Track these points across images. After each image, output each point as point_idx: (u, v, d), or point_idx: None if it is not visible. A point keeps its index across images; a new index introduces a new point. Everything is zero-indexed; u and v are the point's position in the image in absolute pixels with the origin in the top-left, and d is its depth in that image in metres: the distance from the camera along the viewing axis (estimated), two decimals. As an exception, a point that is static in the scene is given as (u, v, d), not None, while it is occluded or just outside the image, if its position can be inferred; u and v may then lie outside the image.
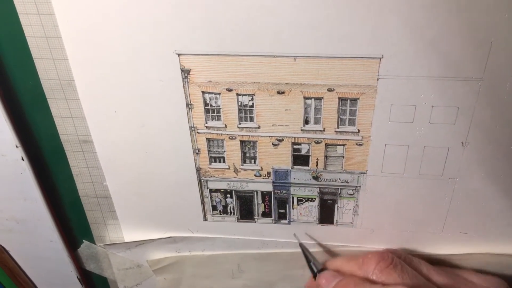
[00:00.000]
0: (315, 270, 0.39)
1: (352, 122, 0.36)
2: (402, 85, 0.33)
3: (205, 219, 0.44)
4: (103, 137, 0.39)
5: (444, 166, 0.36)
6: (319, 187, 0.40)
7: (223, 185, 0.41)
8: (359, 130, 0.36)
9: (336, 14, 0.30)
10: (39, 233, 0.46)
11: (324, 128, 0.36)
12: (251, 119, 0.37)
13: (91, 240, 0.48)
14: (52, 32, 0.34)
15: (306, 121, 0.36)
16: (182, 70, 0.34)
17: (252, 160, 0.39)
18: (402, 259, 0.37)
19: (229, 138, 0.38)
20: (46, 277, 0.52)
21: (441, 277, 0.36)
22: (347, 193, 0.40)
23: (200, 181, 0.41)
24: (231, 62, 0.34)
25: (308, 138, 0.37)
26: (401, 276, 0.34)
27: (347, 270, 0.38)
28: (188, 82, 0.35)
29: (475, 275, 0.38)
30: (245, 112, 0.36)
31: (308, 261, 0.40)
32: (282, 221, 0.43)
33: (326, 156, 0.38)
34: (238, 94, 0.35)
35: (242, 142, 0.38)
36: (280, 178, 0.40)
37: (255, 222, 0.44)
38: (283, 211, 0.42)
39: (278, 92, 0.35)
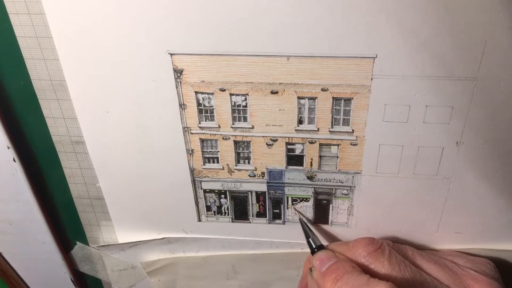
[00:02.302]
0: (314, 246, 0.38)
1: (346, 122, 0.35)
2: (396, 84, 0.32)
3: (199, 220, 0.44)
4: (95, 137, 0.39)
5: (439, 166, 0.36)
6: (314, 187, 0.40)
7: (217, 186, 0.41)
8: (353, 130, 0.36)
9: (330, 13, 0.30)
10: (32, 235, 0.46)
11: (318, 128, 0.36)
12: (245, 119, 0.36)
13: (85, 241, 0.48)
14: (43, 32, 0.34)
15: (300, 121, 0.36)
16: (175, 70, 0.34)
17: (246, 161, 0.39)
18: (390, 246, 0.37)
19: (223, 138, 0.38)
20: (40, 279, 0.51)
21: (426, 261, 0.36)
22: (342, 193, 0.40)
23: (194, 181, 0.41)
24: (224, 62, 0.33)
25: (302, 138, 0.37)
26: (388, 260, 0.34)
27: (338, 252, 0.37)
28: (181, 82, 0.35)
29: (460, 256, 0.38)
30: (239, 112, 0.36)
31: (307, 237, 0.39)
32: (277, 221, 0.43)
33: (320, 156, 0.38)
34: (231, 94, 0.35)
35: (236, 142, 0.38)
36: (274, 178, 0.40)
37: (249, 222, 0.43)
38: (278, 211, 0.42)
39: (272, 92, 0.35)
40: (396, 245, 0.38)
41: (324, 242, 0.43)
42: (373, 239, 0.37)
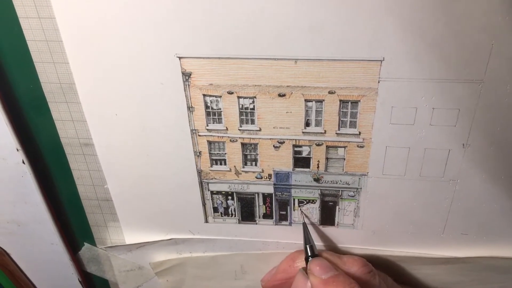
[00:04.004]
0: (310, 254, 0.38)
1: (353, 124, 0.36)
2: (403, 87, 0.33)
3: (206, 221, 0.44)
4: (104, 140, 0.39)
5: (445, 168, 0.36)
6: (320, 189, 0.40)
7: (224, 187, 0.41)
8: (360, 132, 0.36)
9: (337, 16, 0.30)
10: (40, 236, 0.46)
11: (325, 131, 0.36)
12: (252, 122, 0.37)
13: (92, 242, 0.48)
14: (52, 36, 0.34)
15: (307, 124, 0.36)
16: (183, 73, 0.34)
17: (253, 163, 0.39)
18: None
19: (230, 140, 0.38)
20: (47, 280, 0.52)
21: None
22: (348, 195, 0.40)
23: (201, 183, 0.41)
24: (232, 65, 0.34)
25: (309, 140, 0.37)
26: (378, 285, 0.37)
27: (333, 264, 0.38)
28: (189, 85, 0.35)
29: None
30: (246, 115, 0.36)
31: (306, 243, 0.39)
32: (283, 222, 0.43)
33: (327, 158, 0.38)
34: (239, 97, 0.35)
35: (243, 144, 0.38)
36: (281, 180, 0.40)
37: (256, 223, 0.44)
38: (284, 212, 0.43)
39: (279, 95, 0.35)
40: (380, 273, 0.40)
41: (331, 244, 0.43)
42: (365, 261, 0.38)
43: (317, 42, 0.32)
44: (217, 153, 0.39)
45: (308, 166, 0.39)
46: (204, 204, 0.43)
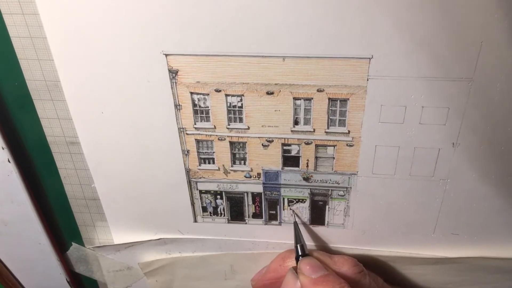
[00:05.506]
0: (300, 253, 0.38)
1: (342, 123, 0.35)
2: (392, 85, 0.32)
3: (195, 221, 0.43)
4: (90, 138, 0.38)
5: (435, 167, 0.36)
6: (310, 188, 0.40)
7: (213, 187, 0.41)
8: (349, 131, 0.35)
9: (326, 14, 0.30)
10: (27, 236, 0.46)
11: (314, 129, 0.36)
12: (240, 120, 0.36)
13: (80, 242, 0.47)
14: (37, 33, 0.33)
15: (296, 122, 0.36)
16: (170, 71, 0.34)
17: (242, 161, 0.39)
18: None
19: (219, 139, 0.38)
20: (35, 280, 0.51)
21: None
22: (338, 194, 0.39)
23: (189, 182, 0.41)
24: (220, 63, 0.33)
25: (298, 139, 0.37)
26: (368, 285, 0.37)
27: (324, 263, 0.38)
28: (176, 82, 0.34)
29: None
30: (234, 113, 0.36)
31: (297, 242, 0.39)
32: (273, 222, 0.43)
33: (316, 157, 0.38)
34: (227, 95, 0.35)
35: (231, 143, 0.38)
36: (270, 179, 0.40)
37: (245, 223, 0.43)
38: (274, 212, 0.42)
39: (267, 93, 0.34)
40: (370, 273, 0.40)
41: (321, 243, 0.43)
42: (356, 260, 0.38)
43: (305, 39, 0.31)
44: (205, 152, 0.39)
45: (297, 165, 0.38)
46: (193, 204, 0.42)
